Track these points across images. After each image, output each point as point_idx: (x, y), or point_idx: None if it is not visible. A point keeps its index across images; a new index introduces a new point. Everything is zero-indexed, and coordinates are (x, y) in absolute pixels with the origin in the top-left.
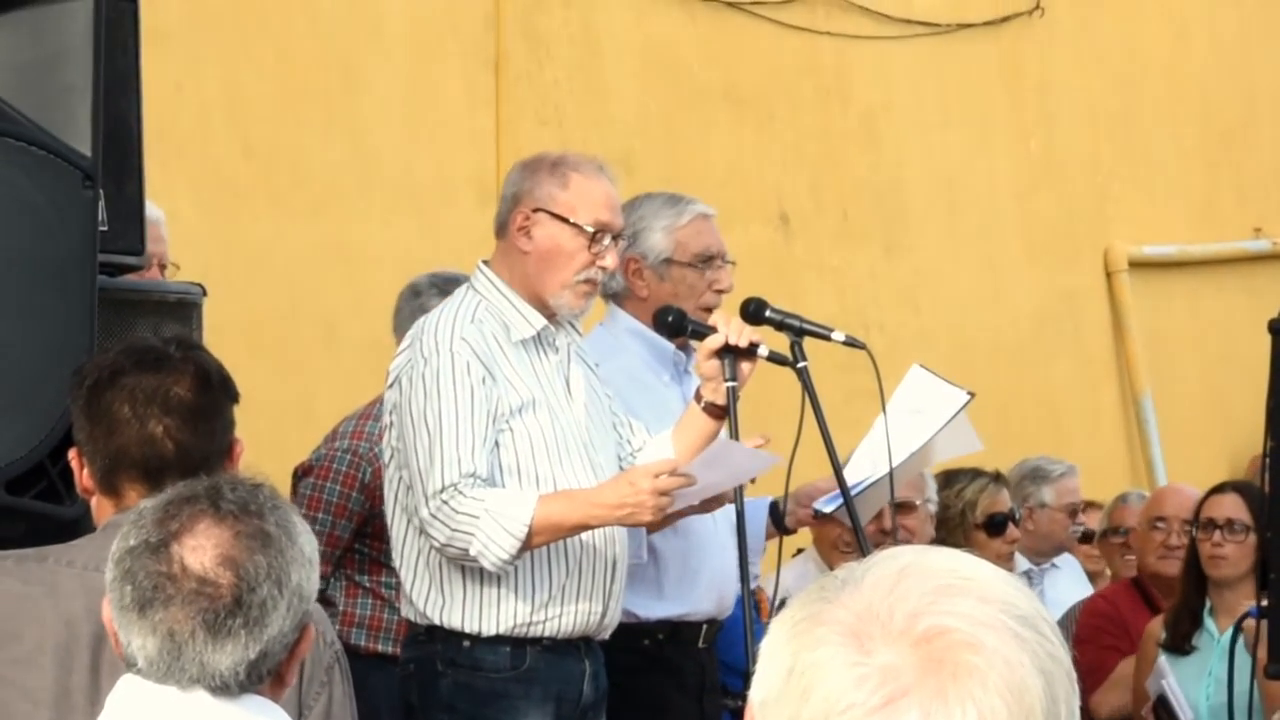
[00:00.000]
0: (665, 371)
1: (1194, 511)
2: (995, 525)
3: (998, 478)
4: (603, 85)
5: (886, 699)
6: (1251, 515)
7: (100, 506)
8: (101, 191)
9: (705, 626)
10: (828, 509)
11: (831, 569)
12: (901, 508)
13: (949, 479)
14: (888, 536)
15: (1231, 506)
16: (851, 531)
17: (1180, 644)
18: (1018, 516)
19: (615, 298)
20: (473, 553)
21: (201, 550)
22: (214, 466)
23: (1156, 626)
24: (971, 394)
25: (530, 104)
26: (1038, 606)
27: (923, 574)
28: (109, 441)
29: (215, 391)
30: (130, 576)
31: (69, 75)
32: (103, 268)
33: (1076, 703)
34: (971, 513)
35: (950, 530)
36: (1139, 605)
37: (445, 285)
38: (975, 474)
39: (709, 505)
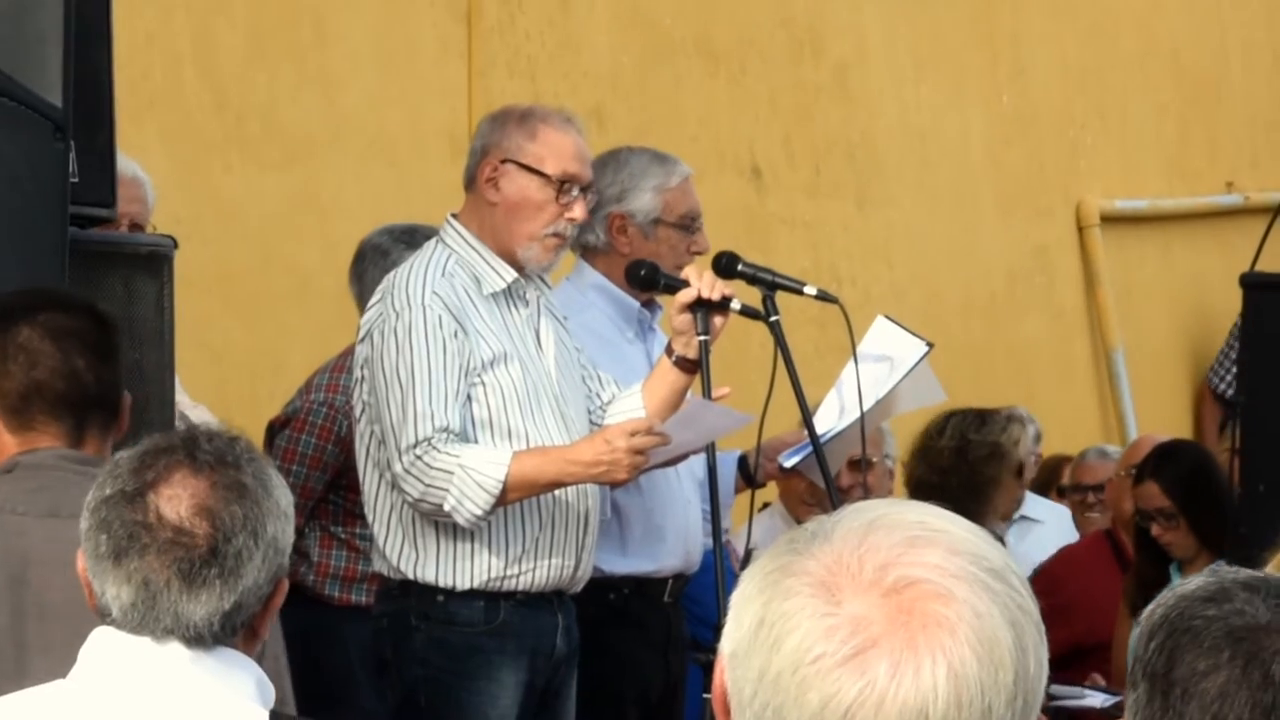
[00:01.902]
0: (629, 328)
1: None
2: (1020, 470)
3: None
4: (575, 38)
5: (857, 649)
6: (1171, 499)
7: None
8: (72, 143)
9: (671, 582)
10: (788, 464)
11: (798, 522)
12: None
13: (985, 419)
14: (847, 494)
15: (1154, 496)
16: (815, 485)
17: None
18: None
19: (587, 252)
20: (447, 508)
21: (178, 500)
22: (118, 406)
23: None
24: (930, 344)
25: (502, 56)
26: (1007, 559)
27: (892, 526)
28: (28, 374)
29: (112, 337)
30: (106, 525)
31: (39, 25)
32: (73, 220)
33: (1045, 654)
34: (1014, 454)
35: (999, 469)
36: (1109, 560)
37: (407, 237)
38: (1008, 416)
39: (674, 458)
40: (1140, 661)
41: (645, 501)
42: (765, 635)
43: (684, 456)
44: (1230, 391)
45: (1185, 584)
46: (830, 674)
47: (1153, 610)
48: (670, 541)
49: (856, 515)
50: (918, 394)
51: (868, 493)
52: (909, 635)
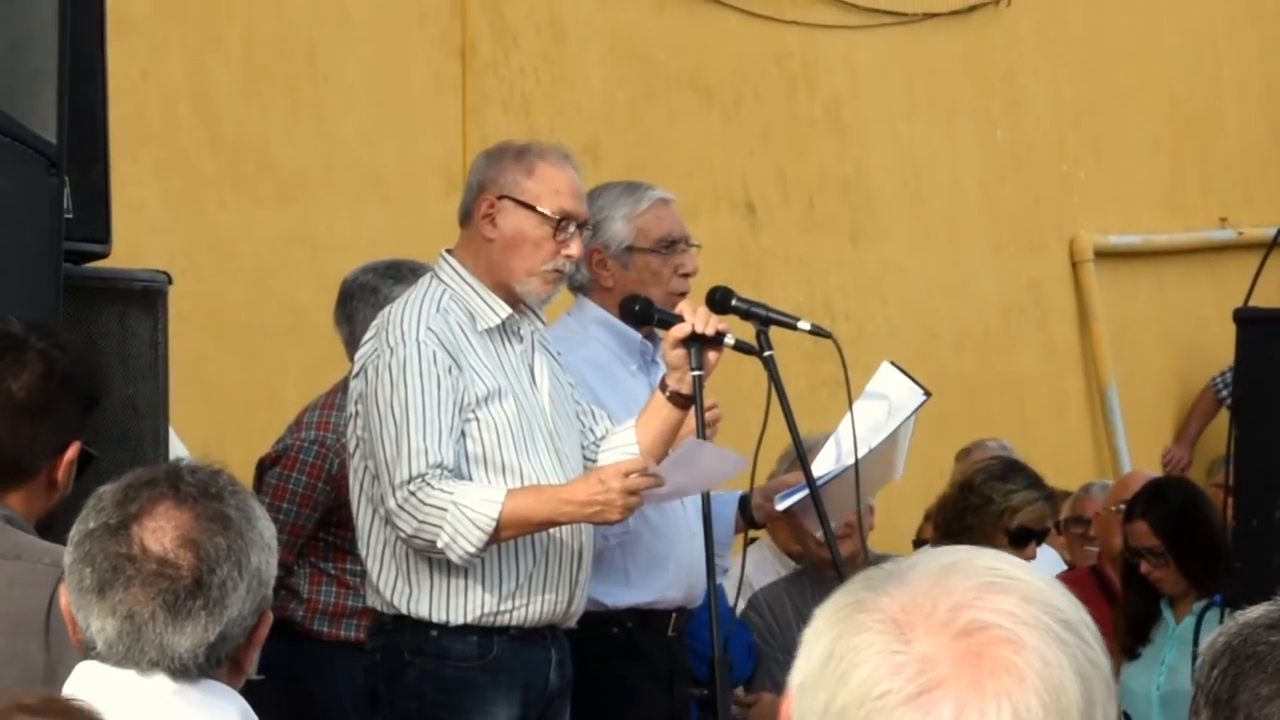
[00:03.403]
0: (633, 361)
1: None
2: (1022, 536)
3: (1049, 496)
4: (569, 73)
5: (922, 688)
6: (1161, 537)
7: None
8: (67, 179)
9: (674, 615)
10: (782, 506)
11: (787, 556)
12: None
13: (1005, 473)
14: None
15: (1144, 534)
16: (799, 527)
17: (1133, 654)
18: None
19: (581, 289)
20: (440, 545)
21: (162, 532)
22: (28, 466)
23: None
24: (929, 394)
25: (496, 92)
26: (1082, 613)
27: (968, 571)
28: None
29: (53, 391)
30: (90, 559)
31: (35, 61)
32: (67, 255)
33: (1114, 711)
34: (1010, 517)
35: (981, 522)
36: (1095, 594)
37: (393, 272)
38: (1032, 482)
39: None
40: (1203, 689)
41: (650, 533)
42: (833, 668)
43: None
44: (1227, 397)
45: (1248, 612)
46: (894, 711)
47: (1215, 637)
48: (673, 573)
49: (934, 558)
50: (883, 468)
51: (863, 528)
52: (976, 678)
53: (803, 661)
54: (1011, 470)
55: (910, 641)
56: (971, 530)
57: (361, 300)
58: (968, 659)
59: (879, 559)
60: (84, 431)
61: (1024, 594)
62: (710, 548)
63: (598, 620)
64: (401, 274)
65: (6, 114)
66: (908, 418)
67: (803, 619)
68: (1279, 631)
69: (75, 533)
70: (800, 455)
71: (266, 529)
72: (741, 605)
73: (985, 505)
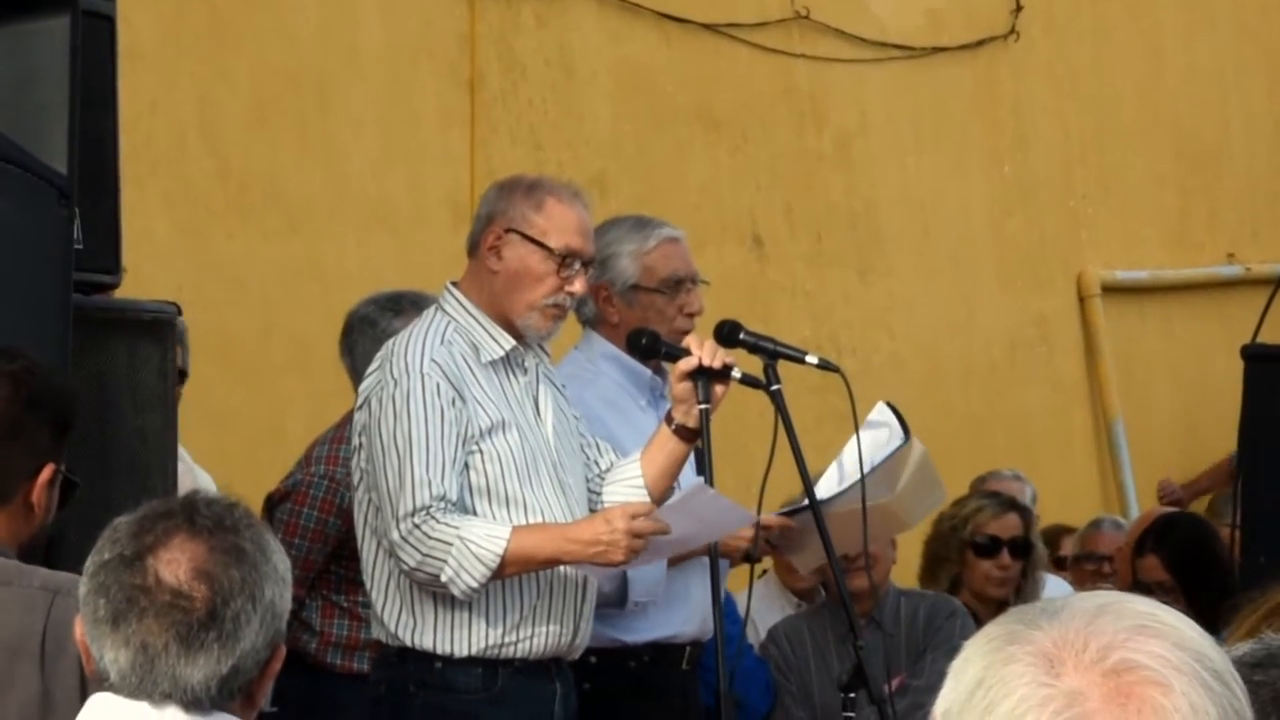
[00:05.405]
0: (641, 396)
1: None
2: (990, 546)
3: (1012, 504)
4: (577, 106)
5: None
6: (1170, 572)
7: None
8: (77, 210)
9: (689, 648)
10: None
11: (792, 592)
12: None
13: (967, 498)
14: (851, 561)
15: (1154, 569)
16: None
17: None
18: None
19: (590, 323)
20: (443, 579)
21: (176, 563)
22: (2, 489)
23: None
24: (907, 437)
25: (505, 124)
26: (1229, 665)
27: (1121, 613)
28: None
29: (19, 412)
30: (104, 590)
31: (45, 93)
32: (77, 286)
33: None
34: (963, 526)
35: (947, 545)
36: None
37: (394, 305)
38: (987, 495)
39: (675, 554)
40: None
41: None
42: (981, 697)
43: (686, 555)
44: None
45: (1233, 650)
46: None
47: None
48: (692, 606)
49: (1088, 599)
50: (921, 499)
51: (869, 563)
52: (1123, 716)
53: (950, 688)
54: (975, 494)
55: (1060, 676)
56: (945, 560)
57: (360, 333)
58: (1116, 697)
59: (900, 594)
60: (59, 454)
61: (1176, 640)
62: (717, 583)
63: (612, 655)
64: (401, 307)
65: (18, 145)
66: (887, 457)
67: (822, 653)
68: (1263, 670)
69: (90, 563)
70: (807, 487)
71: (281, 562)
72: (748, 641)
73: (953, 530)
